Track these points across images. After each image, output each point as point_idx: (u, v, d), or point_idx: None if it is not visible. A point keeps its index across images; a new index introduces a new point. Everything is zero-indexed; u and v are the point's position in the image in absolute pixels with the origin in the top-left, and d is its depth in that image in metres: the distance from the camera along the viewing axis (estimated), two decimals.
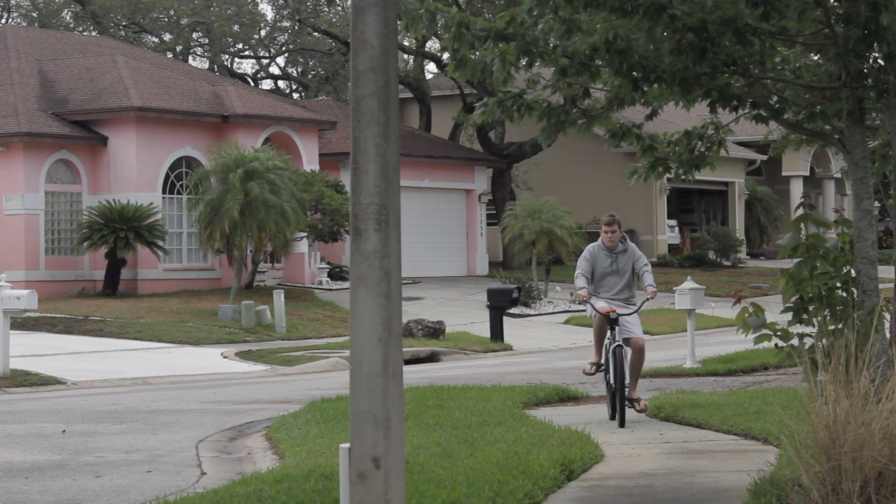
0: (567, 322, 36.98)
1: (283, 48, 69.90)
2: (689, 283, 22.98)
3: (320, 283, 42.21)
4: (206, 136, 40.44)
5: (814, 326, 10.40)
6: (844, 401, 8.50)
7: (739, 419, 13.58)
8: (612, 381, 14.60)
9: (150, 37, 68.44)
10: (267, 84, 72.62)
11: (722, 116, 14.06)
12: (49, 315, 32.29)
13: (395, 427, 8.23)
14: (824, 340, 10.07)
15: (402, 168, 7.81)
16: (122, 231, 36.87)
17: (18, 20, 69.38)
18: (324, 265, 43.20)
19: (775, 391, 15.57)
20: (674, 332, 32.22)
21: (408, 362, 24.51)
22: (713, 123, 14.49)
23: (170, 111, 39.53)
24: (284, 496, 9.81)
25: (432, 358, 28.26)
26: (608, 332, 14.83)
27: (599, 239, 15.23)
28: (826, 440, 8.51)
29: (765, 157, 56.41)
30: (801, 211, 10.42)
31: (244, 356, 27.28)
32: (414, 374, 21.58)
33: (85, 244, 37.51)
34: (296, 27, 66.12)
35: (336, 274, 43.36)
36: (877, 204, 16.30)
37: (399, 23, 11.72)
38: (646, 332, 34.62)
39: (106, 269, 37.84)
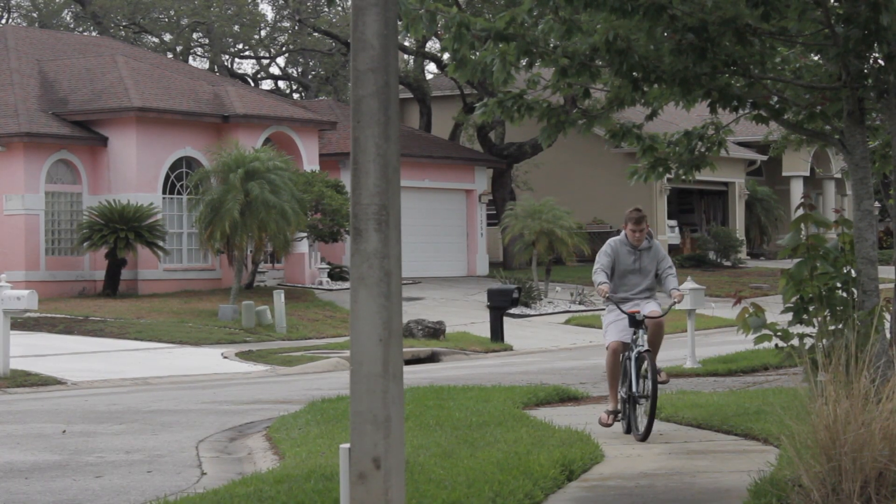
0: (567, 322, 36.98)
1: (284, 48, 69.91)
2: (689, 284, 22.97)
3: (320, 283, 42.21)
4: (206, 137, 40.44)
5: (814, 327, 10.40)
6: (844, 401, 8.50)
7: (740, 419, 13.58)
8: (636, 389, 13.30)
9: (150, 37, 68.45)
10: (267, 84, 72.64)
11: (722, 117, 14.07)
12: (49, 315, 32.29)
13: (395, 427, 8.22)
14: (824, 341, 10.07)
15: (402, 168, 7.82)
16: (122, 231, 36.87)
17: (18, 20, 69.38)
18: (324, 265, 43.20)
19: (775, 391, 15.57)
20: (674, 333, 32.19)
21: (408, 362, 24.51)
22: (713, 123, 14.49)
23: (170, 111, 39.53)
24: (285, 496, 9.81)
25: (432, 358, 28.26)
26: (631, 338, 13.52)
27: (622, 233, 14.16)
28: (826, 440, 8.51)
29: (765, 158, 56.41)
30: (801, 211, 10.43)
31: (244, 356, 27.28)
32: (414, 375, 21.58)
33: (85, 244, 37.51)
34: (296, 27, 66.12)
35: (336, 274, 43.36)
36: (877, 204, 16.30)
37: (399, 23, 11.72)
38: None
39: (106, 269, 37.84)
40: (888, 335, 11.32)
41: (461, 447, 11.90)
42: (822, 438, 8.52)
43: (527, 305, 38.79)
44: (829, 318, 10.34)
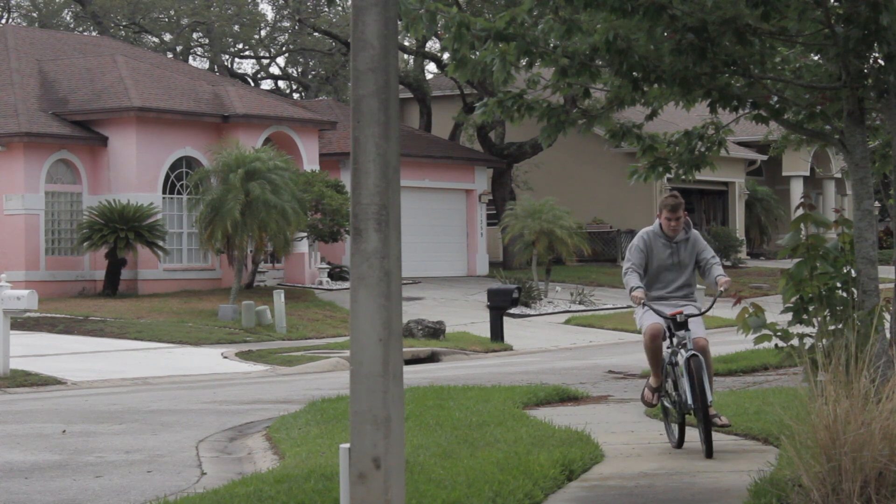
0: (567, 322, 36.98)
1: (284, 48, 69.92)
2: None
3: (320, 283, 42.21)
4: (206, 136, 40.44)
5: (814, 327, 10.40)
6: (844, 401, 8.50)
7: (739, 419, 13.57)
8: (688, 399, 11.93)
9: (150, 37, 68.45)
10: (267, 84, 72.64)
11: (722, 116, 14.06)
12: (49, 315, 32.29)
13: (395, 427, 8.22)
14: (824, 341, 10.07)
15: (402, 168, 7.80)
16: (122, 231, 36.88)
17: (18, 20, 69.39)
18: (324, 265, 43.21)
19: (775, 391, 15.57)
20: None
21: (408, 362, 24.51)
22: (713, 123, 14.48)
23: (170, 111, 39.53)
24: (285, 496, 9.81)
25: (432, 358, 28.26)
26: (672, 341, 12.25)
27: (656, 223, 12.70)
28: (826, 440, 8.51)
29: (765, 157, 56.41)
30: (801, 211, 10.43)
31: (244, 356, 27.28)
32: (414, 374, 21.58)
33: (85, 244, 37.52)
34: (296, 27, 66.12)
35: (336, 274, 43.36)
36: (877, 204, 16.31)
37: (399, 23, 11.72)
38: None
39: (106, 269, 37.85)
40: (888, 335, 11.32)
41: (461, 447, 11.90)
42: (822, 438, 8.52)
43: (527, 305, 38.80)
44: (828, 318, 10.34)
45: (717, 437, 13.16)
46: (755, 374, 20.95)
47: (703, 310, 12.58)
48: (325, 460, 11.41)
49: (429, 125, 54.40)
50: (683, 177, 14.55)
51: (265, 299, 34.92)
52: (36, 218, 38.28)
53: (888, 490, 8.49)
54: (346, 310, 34.58)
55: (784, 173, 59.28)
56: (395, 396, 8.30)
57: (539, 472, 10.42)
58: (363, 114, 8.24)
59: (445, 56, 15.26)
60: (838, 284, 10.48)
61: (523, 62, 12.56)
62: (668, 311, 12.29)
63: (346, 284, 39.66)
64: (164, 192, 39.67)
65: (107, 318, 32.81)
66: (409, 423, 13.41)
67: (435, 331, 30.40)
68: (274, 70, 73.64)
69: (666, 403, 12.42)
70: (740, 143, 55.15)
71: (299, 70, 73.38)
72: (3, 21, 68.05)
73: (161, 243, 37.95)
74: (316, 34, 63.00)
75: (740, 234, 56.49)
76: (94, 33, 62.58)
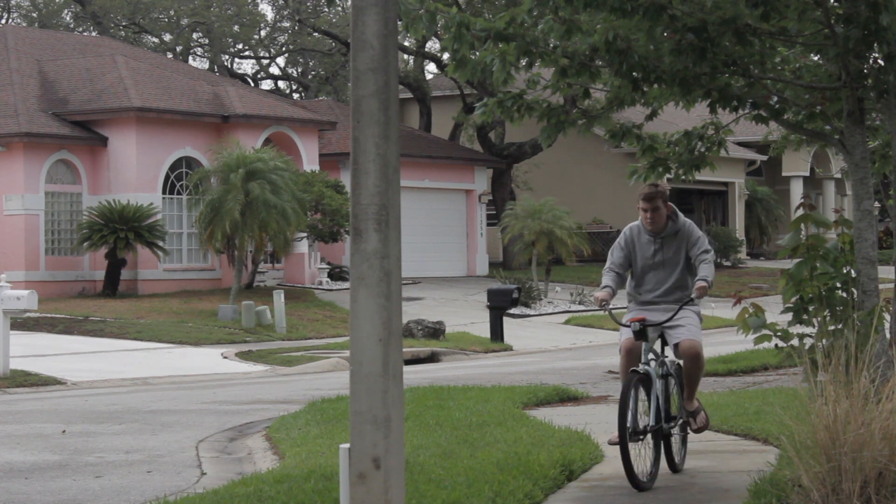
0: (567, 322, 36.97)
1: (283, 48, 69.92)
2: None
3: (320, 283, 42.21)
4: (206, 137, 40.44)
5: (814, 327, 10.40)
6: (844, 401, 8.50)
7: (739, 419, 13.58)
8: (651, 421, 10.72)
9: (150, 37, 68.44)
10: (267, 84, 72.64)
11: (722, 117, 14.05)
12: (49, 315, 32.29)
13: (395, 427, 8.22)
14: (824, 341, 10.07)
15: (402, 168, 7.80)
16: (122, 231, 36.88)
17: (18, 20, 69.38)
18: (324, 265, 43.21)
19: (775, 391, 15.57)
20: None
21: (408, 362, 24.51)
22: (713, 124, 14.48)
23: (170, 111, 39.54)
24: (284, 496, 9.81)
25: (432, 358, 28.26)
26: (643, 353, 10.97)
27: (640, 219, 11.36)
28: (826, 440, 8.51)
29: (765, 158, 56.41)
30: (801, 211, 10.42)
31: (244, 356, 27.27)
32: (414, 375, 21.58)
33: (85, 244, 37.52)
34: (296, 27, 66.12)
35: (336, 274, 43.36)
36: (877, 204, 16.30)
37: (399, 23, 11.72)
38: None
39: (106, 269, 37.85)
40: (888, 335, 11.32)
41: (461, 447, 11.89)
42: (821, 438, 8.52)
43: (526, 305, 38.80)
44: (828, 318, 10.34)
45: (717, 438, 13.16)
46: (755, 374, 20.95)
47: (669, 316, 11.03)
48: (325, 460, 11.41)
49: (429, 125, 54.40)
50: (683, 177, 14.54)
51: (265, 299, 34.91)
52: (36, 218, 38.28)
53: (888, 490, 8.49)
54: (346, 310, 34.59)
55: (784, 173, 59.28)
56: (395, 396, 8.30)
57: (539, 472, 10.42)
58: (363, 114, 8.24)
59: (445, 56, 15.25)
60: (838, 284, 10.47)
61: (523, 62, 12.56)
62: (648, 318, 11.01)
63: (346, 284, 39.66)
64: (163, 193, 39.67)
65: (107, 318, 32.80)
66: (409, 423, 13.41)
67: (435, 331, 30.39)
68: (274, 70, 73.68)
69: (648, 422, 10.87)
70: (740, 144, 55.15)
71: (299, 70, 73.38)
72: (3, 21, 68.06)
73: (161, 243, 37.95)
74: (316, 34, 63.00)
75: (740, 234, 56.49)
76: (94, 33, 62.58)
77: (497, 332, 30.61)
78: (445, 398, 15.97)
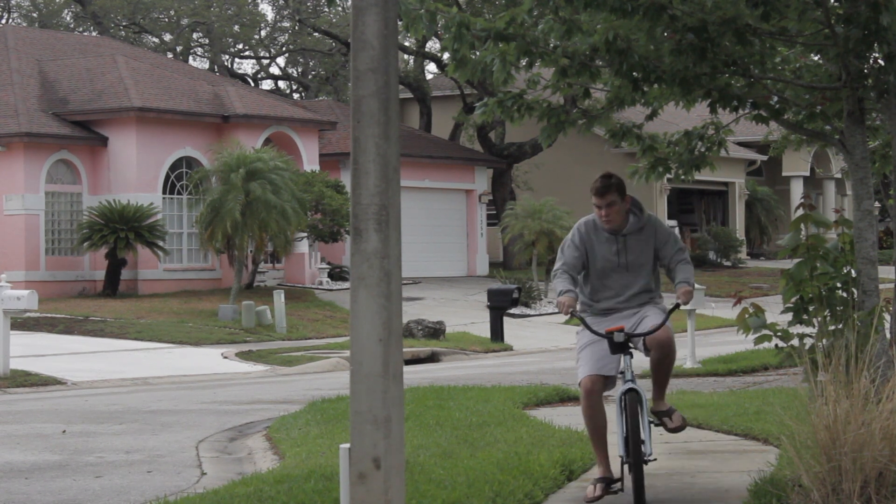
0: (567, 322, 36.96)
1: (284, 48, 69.92)
2: None
3: (320, 283, 42.21)
4: (206, 137, 40.45)
5: (814, 327, 10.40)
6: (844, 401, 8.50)
7: (740, 419, 13.57)
8: (619, 447, 9.42)
9: (150, 37, 68.45)
10: (267, 84, 72.65)
11: (722, 116, 14.05)
12: (49, 315, 32.29)
13: (395, 427, 8.22)
14: (824, 341, 10.07)
15: (402, 168, 7.76)
16: (122, 231, 36.88)
17: (18, 20, 69.39)
18: (324, 265, 43.21)
19: (775, 391, 15.57)
20: (674, 333, 32.18)
21: (408, 362, 24.51)
22: (713, 123, 14.48)
23: (170, 111, 39.54)
24: (285, 496, 9.81)
25: (432, 358, 28.26)
26: (621, 363, 9.54)
27: (593, 213, 9.87)
28: (826, 440, 8.51)
29: (765, 158, 56.42)
30: (801, 211, 10.43)
31: (244, 356, 27.27)
32: (414, 375, 21.58)
33: (85, 244, 37.52)
34: (296, 27, 66.12)
35: (336, 274, 43.36)
36: (877, 204, 16.30)
37: (399, 23, 11.71)
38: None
39: (106, 269, 37.85)
40: (888, 335, 11.32)
41: (461, 447, 11.89)
42: (822, 438, 8.52)
43: (527, 305, 38.79)
44: (828, 318, 10.34)
45: (717, 438, 13.16)
46: (755, 374, 20.95)
47: (661, 321, 9.63)
48: (325, 460, 11.41)
49: (429, 125, 54.40)
50: (683, 177, 14.54)
51: (265, 299, 34.91)
52: (36, 218, 38.29)
53: (888, 490, 8.49)
54: (346, 310, 34.59)
55: (784, 173, 59.28)
56: (395, 396, 8.30)
57: (539, 472, 10.42)
58: (363, 114, 8.24)
59: (445, 56, 15.25)
60: (838, 285, 10.47)
61: (523, 62, 12.56)
62: (606, 327, 9.55)
63: (346, 284, 39.66)
64: (164, 193, 39.67)
65: (107, 318, 32.80)
66: (409, 423, 13.41)
67: (435, 331, 30.39)
68: (274, 70, 73.68)
69: (622, 454, 9.43)
70: (740, 144, 55.15)
71: (299, 70, 73.39)
72: (3, 21, 68.06)
73: (161, 243, 37.95)
74: (316, 34, 63.00)
75: (740, 234, 56.49)
76: (94, 33, 62.58)
77: (497, 332, 30.61)
78: (445, 398, 15.97)
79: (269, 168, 35.50)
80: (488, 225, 51.10)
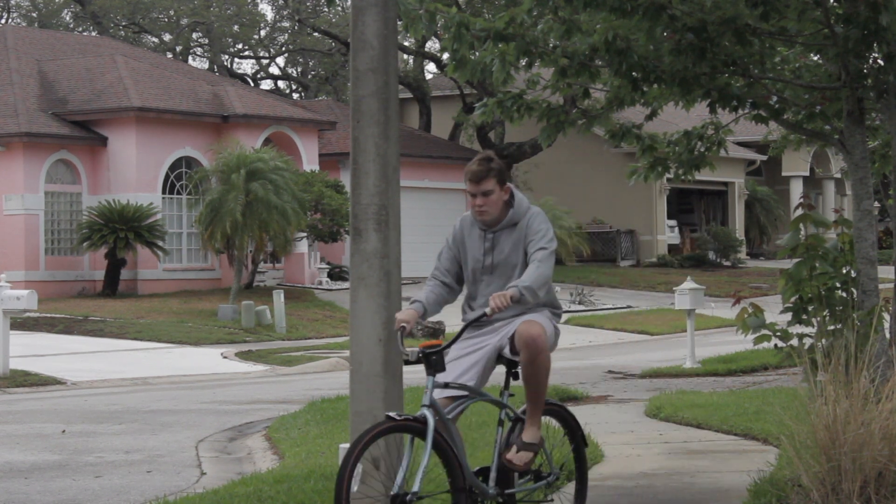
0: (567, 322, 36.95)
1: (283, 48, 69.92)
2: (688, 284, 22.97)
3: (320, 283, 42.20)
4: (205, 137, 40.45)
5: (813, 327, 10.40)
6: (844, 401, 8.50)
7: (739, 419, 13.57)
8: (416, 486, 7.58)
9: (149, 37, 68.45)
10: (267, 84, 72.64)
11: (722, 116, 14.07)
12: (49, 315, 32.29)
13: None
14: (824, 341, 10.07)
15: (401, 168, 7.71)
16: (121, 231, 36.88)
17: (18, 20, 69.39)
18: (324, 265, 43.20)
19: (775, 391, 15.56)
20: (673, 332, 32.22)
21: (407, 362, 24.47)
22: (713, 123, 14.49)
23: (170, 111, 39.54)
24: (284, 496, 9.81)
25: None
26: (428, 389, 7.68)
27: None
28: (826, 440, 8.51)
29: (765, 158, 56.41)
30: (800, 211, 10.43)
31: (244, 356, 27.27)
32: (414, 375, 21.57)
33: (85, 244, 37.52)
34: (296, 27, 66.12)
35: (336, 274, 43.35)
36: (876, 204, 16.31)
37: (399, 23, 11.72)
38: (644, 333, 35.09)
39: (106, 269, 37.84)
40: (888, 335, 11.32)
41: None
42: (821, 438, 8.52)
43: None
44: (828, 318, 10.34)
45: (717, 438, 13.16)
46: (755, 374, 20.95)
47: (448, 342, 7.97)
48: (324, 460, 11.41)
49: (428, 125, 54.40)
50: (683, 177, 14.56)
51: (265, 299, 34.91)
52: (36, 218, 38.28)
53: (888, 490, 8.49)
54: (345, 310, 34.57)
55: (784, 173, 59.28)
56: (394, 396, 8.30)
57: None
58: (363, 114, 8.24)
59: (445, 56, 15.25)
60: (838, 284, 10.48)
61: (523, 62, 12.57)
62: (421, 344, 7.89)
63: (346, 284, 39.65)
64: (163, 193, 39.67)
65: (106, 318, 32.80)
66: None
67: (435, 331, 30.38)
68: (274, 70, 73.68)
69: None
70: (740, 143, 55.14)
71: (299, 70, 73.39)
72: (3, 21, 68.06)
73: (161, 243, 37.95)
74: (316, 34, 63.00)
75: (740, 234, 56.48)
76: (93, 33, 62.58)
77: None
78: None
79: (269, 168, 35.50)
80: None
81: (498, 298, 7.73)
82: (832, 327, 10.28)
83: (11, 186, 38.11)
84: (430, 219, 48.12)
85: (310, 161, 42.73)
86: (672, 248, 54.54)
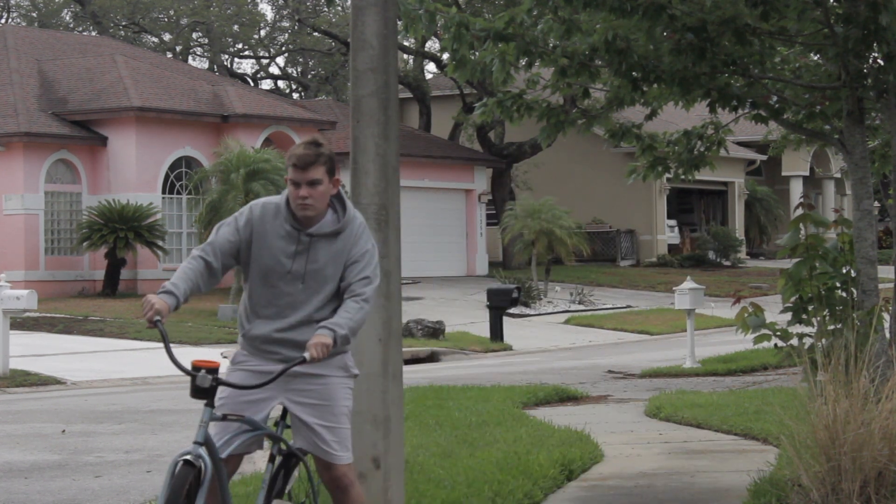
0: (567, 322, 36.97)
1: (283, 48, 69.92)
2: (688, 283, 22.98)
3: None
4: (205, 136, 40.45)
5: (813, 326, 10.41)
6: (844, 401, 8.50)
7: (739, 419, 13.58)
8: None
9: (149, 37, 68.45)
10: (267, 84, 72.64)
11: (722, 116, 14.07)
12: (49, 315, 32.29)
13: (394, 427, 8.23)
14: (824, 340, 10.08)
15: (401, 168, 7.68)
16: (121, 231, 36.88)
17: (18, 20, 69.39)
18: None
19: (775, 391, 15.57)
20: (673, 332, 32.23)
21: (407, 362, 24.50)
22: (713, 123, 14.50)
23: (170, 111, 39.54)
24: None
25: (432, 358, 28.25)
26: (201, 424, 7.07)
27: (284, 193, 6.92)
28: (826, 440, 8.51)
29: (764, 157, 56.43)
30: (800, 211, 10.43)
31: None
32: (414, 374, 21.58)
33: (85, 244, 37.52)
34: (295, 27, 66.12)
35: None
36: (876, 204, 16.31)
37: (399, 23, 11.72)
38: (644, 333, 35.27)
39: (106, 269, 37.84)
40: (887, 335, 11.32)
41: (461, 447, 11.89)
42: (821, 438, 8.53)
43: (526, 305, 38.78)
44: (828, 317, 10.35)
45: (717, 437, 13.16)
46: (755, 373, 20.96)
47: (262, 382, 6.88)
48: None
49: (428, 125, 54.40)
50: (683, 177, 14.56)
51: None
52: (35, 218, 38.28)
53: (888, 490, 8.49)
54: None
55: (784, 173, 59.29)
56: (394, 396, 8.31)
57: (538, 472, 10.42)
58: (363, 114, 8.24)
59: (445, 56, 15.26)
60: (838, 284, 10.48)
61: (523, 62, 12.57)
62: (245, 366, 7.10)
63: None
64: (163, 192, 39.67)
65: (106, 317, 32.80)
66: (408, 423, 13.40)
67: (434, 331, 30.39)
68: (273, 70, 73.68)
69: None
70: (740, 143, 55.15)
71: (299, 70, 73.39)
72: (3, 21, 68.07)
73: (161, 243, 37.95)
74: (315, 34, 63.00)
75: (740, 233, 56.49)
76: (93, 33, 62.59)
77: (497, 332, 30.60)
78: (445, 398, 15.97)
79: (273, 168, 35.52)
80: (488, 225, 51.10)
81: (320, 348, 6.53)
82: (832, 327, 10.29)
83: (11, 186, 38.11)
84: (430, 218, 48.12)
85: None
86: (672, 248, 54.55)
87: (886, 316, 11.43)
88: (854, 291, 10.82)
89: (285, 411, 7.03)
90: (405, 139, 46.82)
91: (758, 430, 12.82)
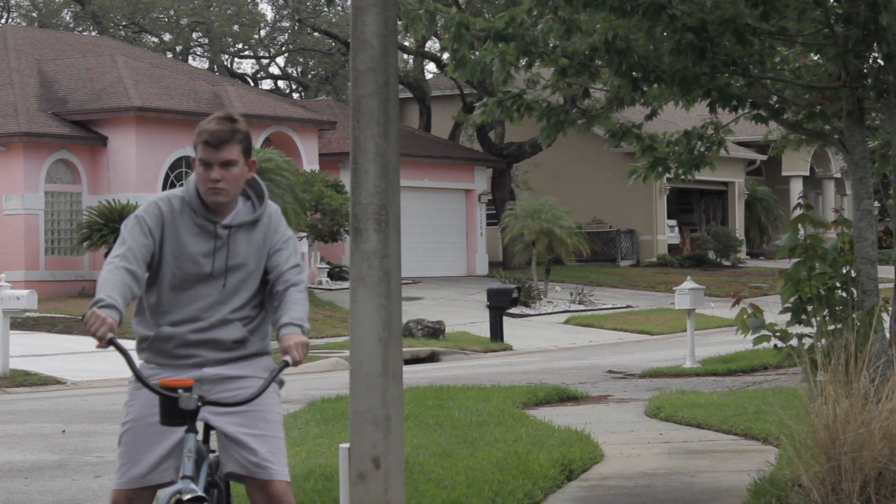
0: (567, 322, 36.99)
1: (283, 48, 69.93)
2: (688, 283, 22.99)
3: (320, 283, 42.21)
4: None
5: (813, 327, 10.41)
6: (844, 401, 8.50)
7: (739, 419, 13.58)
8: None
9: (149, 37, 68.46)
10: (267, 84, 72.66)
11: (722, 116, 14.07)
12: (49, 315, 32.29)
13: (394, 427, 8.23)
14: (823, 340, 10.08)
15: (401, 168, 7.67)
16: None
17: (18, 20, 69.40)
18: (323, 265, 43.21)
19: (775, 391, 15.57)
20: (673, 332, 32.24)
21: (408, 362, 24.51)
22: (713, 123, 14.50)
23: (170, 111, 39.55)
24: None
25: (432, 358, 28.26)
26: (186, 454, 6.11)
27: (191, 181, 6.41)
28: (826, 440, 8.51)
29: (765, 157, 56.44)
30: (799, 211, 10.43)
31: None
32: (414, 374, 21.58)
33: (85, 244, 37.53)
34: (296, 27, 66.14)
35: (336, 274, 43.37)
36: (876, 204, 16.31)
37: (399, 23, 11.73)
38: (644, 333, 35.34)
39: None
40: (887, 335, 11.33)
41: (461, 447, 11.89)
42: (821, 438, 8.53)
43: (526, 305, 38.80)
44: (828, 317, 10.35)
45: (717, 437, 13.16)
46: (755, 373, 20.97)
47: (254, 392, 6.12)
48: (324, 460, 11.41)
49: (428, 125, 54.41)
50: (683, 177, 14.56)
51: None
52: (35, 218, 38.29)
53: (888, 490, 8.49)
54: (345, 310, 34.58)
55: (784, 173, 59.30)
56: (394, 396, 8.31)
57: (539, 472, 10.42)
58: (363, 114, 8.24)
59: (445, 56, 15.25)
60: (837, 284, 10.49)
61: (523, 62, 12.57)
62: (168, 379, 5.89)
63: (346, 284, 39.65)
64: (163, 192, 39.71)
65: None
66: (408, 422, 13.41)
67: (434, 331, 30.39)
68: (274, 70, 73.69)
69: None
70: (740, 143, 55.16)
71: (299, 70, 73.40)
72: (3, 21, 68.08)
73: None
74: (316, 34, 63.01)
75: (740, 234, 56.50)
76: (93, 33, 62.60)
77: (497, 332, 30.61)
78: (445, 398, 15.98)
79: (276, 168, 35.53)
80: (488, 225, 51.11)
81: (301, 349, 5.96)
82: (832, 327, 10.29)
83: (11, 186, 38.12)
84: (430, 218, 48.13)
85: (310, 161, 42.75)
86: (672, 248, 54.55)
87: (886, 316, 11.43)
88: (854, 292, 10.83)
89: (207, 432, 6.15)
90: (405, 139, 46.81)
91: (758, 430, 12.82)
